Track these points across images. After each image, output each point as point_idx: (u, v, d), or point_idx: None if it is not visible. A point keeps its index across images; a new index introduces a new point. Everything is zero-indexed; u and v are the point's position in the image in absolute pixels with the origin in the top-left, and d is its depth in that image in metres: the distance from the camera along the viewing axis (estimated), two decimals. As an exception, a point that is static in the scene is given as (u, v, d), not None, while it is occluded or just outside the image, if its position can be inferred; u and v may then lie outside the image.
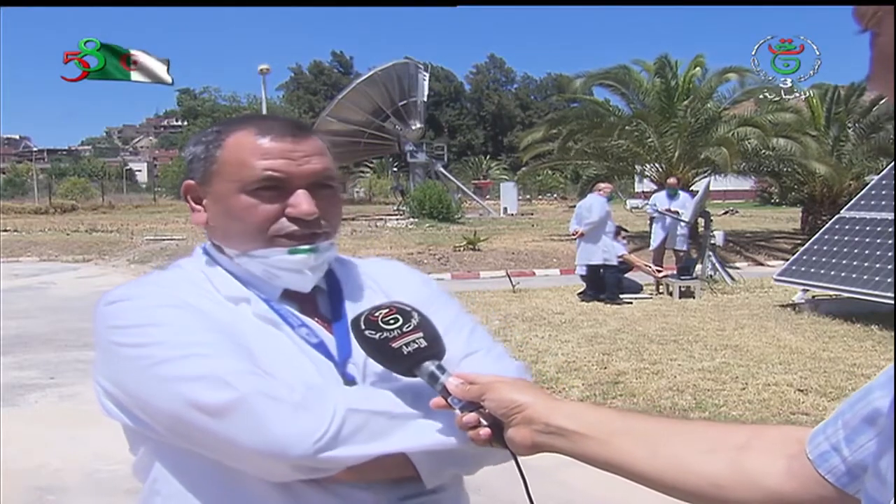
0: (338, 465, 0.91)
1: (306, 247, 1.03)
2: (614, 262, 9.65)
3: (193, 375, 0.91)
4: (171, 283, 1.06)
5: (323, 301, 1.09)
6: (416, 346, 0.94)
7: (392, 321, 0.96)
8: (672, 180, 12.19)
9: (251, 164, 1.02)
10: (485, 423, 0.90)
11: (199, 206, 1.09)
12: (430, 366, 0.94)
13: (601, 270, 9.66)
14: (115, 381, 0.98)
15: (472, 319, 1.14)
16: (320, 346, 1.02)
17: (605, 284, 9.62)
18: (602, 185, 10.29)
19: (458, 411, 0.92)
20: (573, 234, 10.03)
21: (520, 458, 0.93)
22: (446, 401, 0.93)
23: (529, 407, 0.88)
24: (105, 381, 0.99)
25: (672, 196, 11.54)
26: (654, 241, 11.60)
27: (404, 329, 0.95)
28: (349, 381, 1.00)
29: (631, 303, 9.54)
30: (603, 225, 9.59)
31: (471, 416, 0.91)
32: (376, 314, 0.97)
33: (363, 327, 0.97)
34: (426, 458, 0.95)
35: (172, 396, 0.91)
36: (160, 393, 0.92)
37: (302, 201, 1.02)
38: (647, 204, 12.32)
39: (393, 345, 0.94)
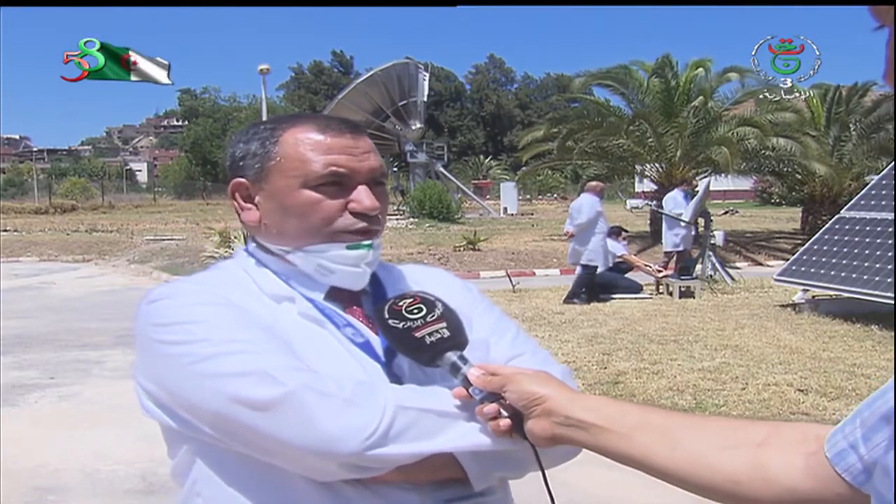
0: (386, 463, 0.89)
1: (366, 242, 1.04)
2: (597, 265, 9.43)
3: (239, 371, 0.90)
4: (214, 281, 1.05)
5: (367, 302, 1.08)
6: (439, 335, 0.94)
7: (416, 310, 0.96)
8: (694, 182, 12.05)
9: (314, 160, 1.02)
10: (505, 414, 0.90)
11: (248, 205, 1.07)
12: (452, 356, 0.94)
13: (587, 270, 9.50)
14: (157, 380, 0.96)
15: (514, 324, 1.15)
16: (366, 346, 1.01)
17: (602, 284, 9.55)
18: (593, 183, 10.16)
19: (479, 402, 0.92)
20: (565, 235, 9.95)
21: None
22: (468, 391, 0.92)
23: (550, 399, 0.89)
24: (146, 381, 0.98)
25: (688, 197, 11.41)
26: (678, 243, 11.42)
27: (428, 319, 0.95)
28: (395, 380, 0.99)
29: (604, 301, 9.47)
30: (593, 225, 9.36)
31: (491, 407, 0.91)
32: (400, 303, 0.97)
33: (387, 316, 0.97)
34: (474, 460, 0.94)
35: (217, 393, 0.90)
36: (204, 390, 0.91)
37: (364, 197, 1.03)
38: (647, 203, 12.26)
39: (416, 334, 0.94)
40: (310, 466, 0.90)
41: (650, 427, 0.85)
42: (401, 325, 0.95)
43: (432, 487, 0.95)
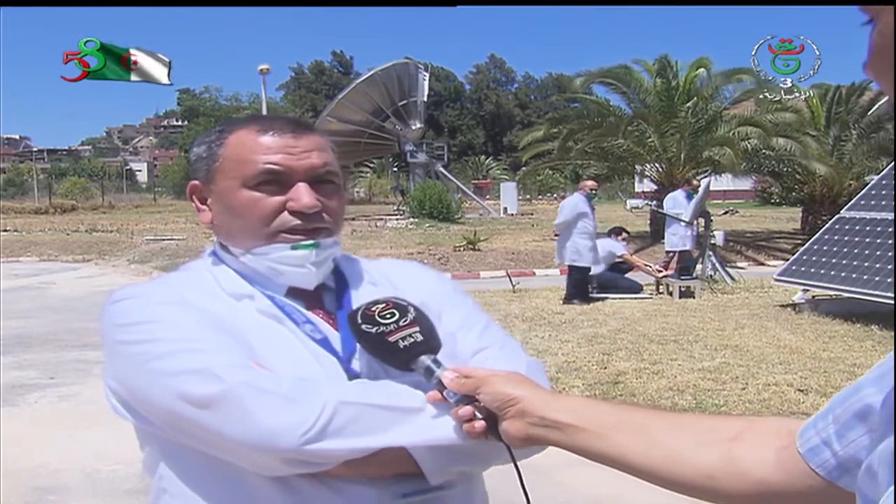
0: (327, 458, 0.90)
1: (309, 242, 1.04)
2: (583, 265, 9.39)
3: (185, 370, 0.92)
4: (176, 282, 1.08)
5: (329, 298, 1.09)
6: (412, 340, 0.95)
7: (388, 315, 0.97)
8: (696, 182, 12.07)
9: (252, 160, 1.04)
10: (480, 415, 0.91)
11: (204, 206, 1.10)
12: (426, 360, 0.95)
13: (575, 270, 9.50)
14: (119, 378, 0.99)
15: (485, 317, 1.15)
16: (324, 342, 1.02)
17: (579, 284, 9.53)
18: (587, 181, 10.17)
19: (453, 404, 0.92)
20: (553, 235, 9.95)
21: (515, 451, 0.94)
22: (442, 394, 0.93)
23: (524, 400, 0.89)
24: (111, 380, 1.01)
25: (690, 197, 11.40)
26: (676, 242, 11.41)
27: (400, 323, 0.96)
28: (353, 376, 1.00)
29: (589, 301, 9.47)
30: (571, 226, 9.30)
31: (466, 410, 0.91)
32: (373, 308, 0.98)
33: (360, 321, 0.98)
34: (429, 454, 0.94)
35: (165, 390, 0.92)
36: (155, 388, 0.93)
37: (302, 195, 1.03)
38: (647, 203, 12.26)
39: (389, 339, 0.95)
40: (251, 461, 0.91)
41: (626, 426, 0.85)
42: (374, 330, 0.96)
43: (389, 482, 0.95)
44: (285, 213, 1.03)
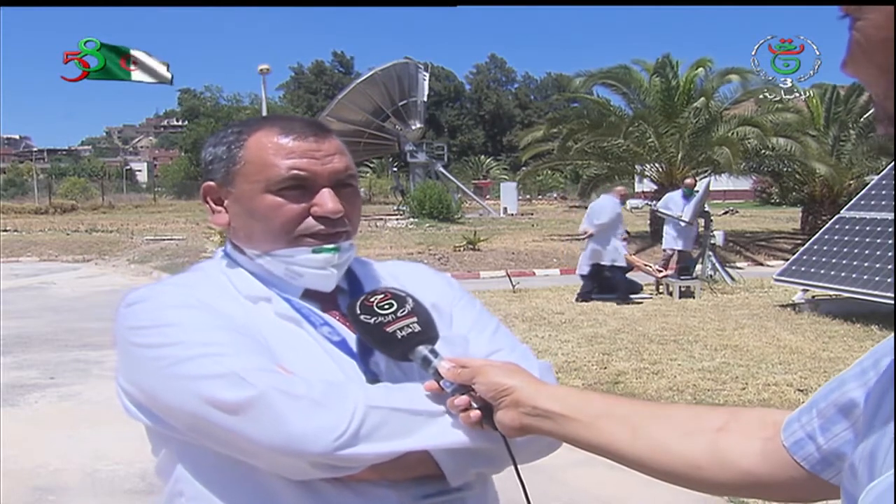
0: (357, 462, 0.90)
1: (331, 246, 1.04)
2: (621, 264, 9.70)
3: (211, 374, 0.91)
4: (191, 283, 1.06)
5: (344, 300, 1.09)
6: (410, 330, 0.96)
7: (387, 306, 0.98)
8: (689, 181, 12.06)
9: (276, 164, 1.02)
10: (475, 405, 0.92)
11: (219, 208, 1.09)
12: (423, 350, 0.96)
13: (606, 272, 9.67)
14: (135, 381, 0.98)
15: (495, 319, 1.16)
16: (342, 344, 1.02)
17: (611, 285, 9.67)
18: (619, 188, 10.48)
19: (450, 394, 0.93)
20: (583, 234, 10.03)
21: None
22: (438, 384, 0.94)
23: (517, 390, 0.90)
24: (125, 383, 1.00)
25: (688, 197, 11.40)
26: (671, 241, 11.44)
27: (398, 314, 0.97)
28: (371, 378, 1.00)
29: (633, 302, 9.54)
30: (613, 227, 9.67)
31: (462, 399, 0.93)
32: (371, 299, 0.99)
33: (358, 312, 0.98)
34: (449, 456, 0.95)
35: (191, 395, 0.91)
36: (178, 392, 0.92)
37: (328, 200, 1.03)
38: (647, 203, 12.26)
39: (387, 329, 0.96)
40: (281, 466, 0.91)
41: (613, 416, 0.87)
42: (372, 321, 0.97)
43: (409, 484, 0.96)
44: (310, 218, 1.03)
